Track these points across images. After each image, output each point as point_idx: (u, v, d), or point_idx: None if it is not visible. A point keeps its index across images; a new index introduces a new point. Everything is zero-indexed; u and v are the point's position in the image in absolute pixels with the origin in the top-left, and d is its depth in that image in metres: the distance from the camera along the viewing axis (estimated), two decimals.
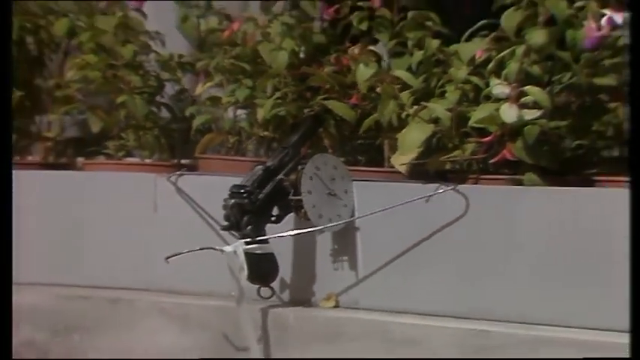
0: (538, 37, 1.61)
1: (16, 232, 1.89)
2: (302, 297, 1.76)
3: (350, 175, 1.73)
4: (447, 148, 1.74)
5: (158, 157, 2.00)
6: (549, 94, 1.62)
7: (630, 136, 1.51)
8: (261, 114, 1.86)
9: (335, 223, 1.70)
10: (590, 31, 1.57)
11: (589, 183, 1.65)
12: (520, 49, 1.62)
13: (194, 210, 1.82)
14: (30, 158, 2.13)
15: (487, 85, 1.67)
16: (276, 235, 1.68)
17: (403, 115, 1.75)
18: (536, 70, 1.64)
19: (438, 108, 1.70)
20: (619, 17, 1.56)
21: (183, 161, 1.99)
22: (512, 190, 1.64)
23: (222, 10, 2.00)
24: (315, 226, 1.69)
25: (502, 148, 1.65)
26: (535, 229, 1.61)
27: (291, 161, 1.72)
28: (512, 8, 1.65)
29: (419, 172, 1.75)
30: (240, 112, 1.93)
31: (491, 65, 1.67)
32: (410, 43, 1.83)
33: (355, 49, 1.82)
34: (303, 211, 1.68)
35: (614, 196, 1.58)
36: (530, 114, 1.61)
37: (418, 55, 1.79)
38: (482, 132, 1.68)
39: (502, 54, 1.65)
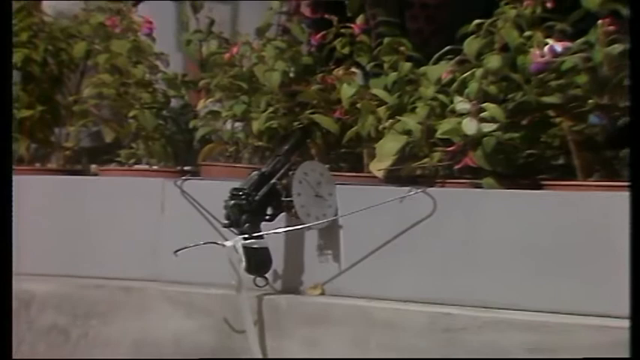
0: (494, 61, 1.70)
1: (38, 231, 1.99)
2: (292, 286, 1.81)
3: (334, 180, 1.80)
4: (417, 156, 1.80)
5: (165, 164, 2.04)
6: (504, 110, 1.71)
7: (630, 138, 1.55)
8: (256, 126, 1.91)
9: (321, 222, 1.76)
10: (535, 57, 1.67)
11: (538, 186, 1.71)
12: (479, 72, 1.71)
13: (197, 210, 1.87)
14: (50, 165, 2.15)
15: (451, 102, 1.75)
16: (270, 232, 1.74)
17: (380, 128, 1.82)
18: (492, 89, 1.72)
19: (410, 121, 1.77)
20: (559, 46, 1.66)
21: (187, 168, 2.03)
22: (473, 192, 1.72)
23: (221, 35, 2.04)
24: (303, 224, 1.75)
25: (464, 156, 1.73)
26: (493, 225, 1.67)
27: (283, 168, 1.78)
28: (473, 36, 1.73)
29: (394, 177, 1.81)
30: (237, 124, 1.97)
31: (455, 85, 1.75)
32: (386, 66, 1.88)
33: (339, 71, 1.89)
34: (293, 210, 1.75)
35: (558, 198, 1.66)
36: (488, 127, 1.70)
37: (393, 75, 1.86)
38: (447, 142, 1.75)
39: (464, 75, 1.73)
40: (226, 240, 1.73)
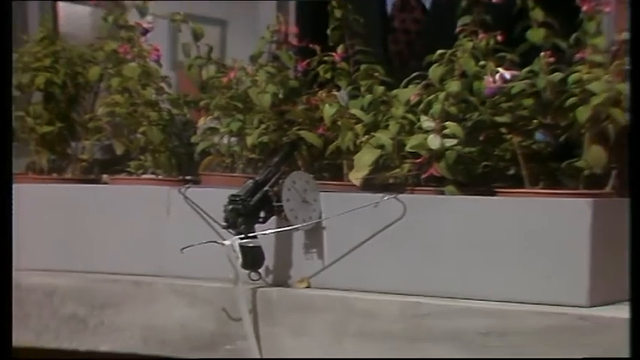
0: (454, 86, 1.77)
1: (57, 232, 2.06)
2: (282, 279, 1.87)
3: (318, 187, 1.85)
4: (390, 167, 1.85)
5: (169, 174, 2.07)
6: (463, 127, 1.77)
7: (630, 138, 1.59)
8: (249, 141, 1.95)
9: (307, 224, 1.82)
10: (489, 83, 1.74)
11: (492, 193, 1.78)
12: (442, 95, 1.77)
13: (199, 214, 1.92)
14: (67, 175, 2.19)
15: (419, 120, 1.81)
16: (263, 232, 1.80)
17: (358, 142, 1.87)
18: (453, 110, 1.78)
19: (383, 137, 1.82)
20: (508, 74, 1.73)
21: (189, 177, 2.06)
22: (437, 198, 1.79)
23: (219, 60, 2.07)
24: (292, 226, 1.81)
25: (430, 167, 1.79)
26: (454, 226, 1.75)
27: (274, 177, 1.83)
28: (437, 64, 1.79)
29: (370, 185, 1.85)
30: (233, 139, 2.00)
31: (421, 106, 1.81)
32: (362, 89, 1.92)
33: (322, 93, 1.93)
34: (283, 214, 1.81)
35: (510, 203, 1.74)
36: (450, 142, 1.76)
37: (368, 97, 1.90)
38: (415, 155, 1.81)
39: (429, 98, 1.79)
40: (225, 239, 1.78)
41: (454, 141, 1.76)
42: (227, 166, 2.00)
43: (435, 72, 1.77)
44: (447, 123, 1.76)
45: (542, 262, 1.67)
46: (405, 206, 1.77)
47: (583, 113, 1.71)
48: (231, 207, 1.77)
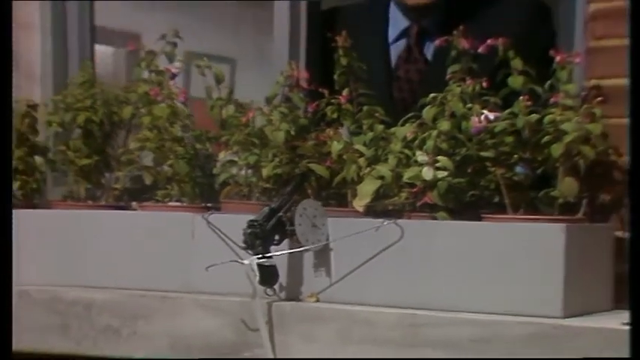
0: (445, 125, 1.82)
1: (94, 252, 2.08)
2: (294, 294, 1.90)
3: (326, 213, 1.89)
4: (389, 196, 1.88)
5: (193, 202, 2.09)
6: (453, 161, 1.82)
7: (631, 138, 1.66)
8: (265, 172, 1.98)
9: (316, 245, 1.86)
10: (475, 123, 1.79)
11: (479, 218, 1.83)
12: (434, 132, 1.82)
13: (220, 237, 1.96)
14: (101, 202, 2.22)
15: (414, 154, 1.85)
16: (278, 253, 1.85)
17: (360, 174, 1.91)
18: (444, 146, 1.83)
19: (383, 169, 1.86)
20: (492, 115, 1.79)
21: (210, 205, 2.08)
22: (431, 223, 1.83)
23: (237, 101, 2.09)
24: (303, 247, 1.86)
25: (424, 195, 1.83)
26: (446, 248, 1.80)
27: (287, 204, 1.87)
28: (430, 106, 1.84)
29: (371, 211, 1.89)
30: (250, 171, 2.03)
31: (416, 142, 1.85)
32: (364, 127, 1.96)
33: (330, 131, 1.97)
34: (295, 237, 1.85)
35: (494, 227, 1.79)
36: (441, 174, 1.81)
37: (370, 134, 1.94)
38: (411, 185, 1.85)
39: (423, 135, 1.84)
40: (244, 259, 1.82)
41: (445, 173, 1.80)
42: (245, 195, 2.02)
43: (428, 113, 1.83)
44: (439, 157, 1.80)
45: (522, 278, 1.73)
46: (402, 230, 1.82)
47: (557, 149, 1.78)
48: (249, 230, 1.82)
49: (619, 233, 1.88)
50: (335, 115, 2.00)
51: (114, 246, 2.09)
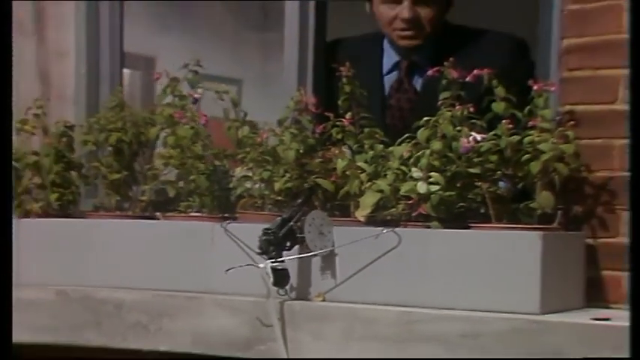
0: (437, 145, 1.87)
1: (123, 257, 2.13)
2: (303, 295, 1.96)
3: (332, 223, 1.94)
4: (387, 207, 1.93)
5: (212, 213, 2.14)
6: (444, 177, 1.87)
7: (631, 138, 1.68)
8: (277, 186, 2.04)
9: (323, 251, 1.91)
10: (464, 143, 1.85)
11: (467, 227, 1.88)
12: (428, 151, 1.88)
13: (237, 244, 2.02)
14: (129, 213, 2.28)
15: (410, 171, 1.90)
16: (289, 258, 1.90)
17: (362, 188, 1.95)
18: (436, 163, 1.88)
19: (382, 184, 1.92)
20: (479, 137, 1.84)
21: (228, 215, 2.12)
22: (425, 231, 1.89)
23: (252, 122, 2.13)
24: (311, 253, 1.91)
25: (419, 207, 1.88)
26: (438, 253, 1.86)
27: (297, 214, 1.93)
28: (423, 128, 1.90)
29: (372, 221, 1.94)
30: (263, 185, 2.08)
31: (412, 160, 1.90)
32: (366, 146, 2.00)
33: (335, 150, 2.02)
34: (305, 243, 1.91)
35: (480, 235, 1.85)
36: (434, 188, 1.86)
37: (370, 153, 1.98)
38: (408, 198, 1.90)
39: (418, 153, 1.89)
40: (259, 263, 1.89)
41: (437, 187, 1.86)
42: (258, 206, 2.08)
43: (422, 134, 1.90)
44: (432, 173, 1.87)
45: (505, 280, 1.81)
46: (399, 237, 1.88)
47: (535, 167, 1.85)
48: (264, 238, 1.89)
49: (590, 241, 1.96)
50: (339, 136, 2.05)
51: (140, 251, 2.15)
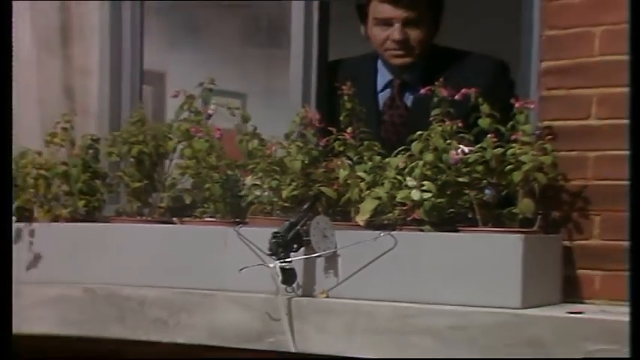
0: (429, 156, 1.93)
1: (144, 258, 2.19)
2: (309, 292, 2.02)
3: (334, 227, 2.00)
4: (385, 212, 1.98)
5: (225, 218, 2.19)
6: (435, 185, 1.92)
7: (631, 138, 1.69)
8: (284, 194, 2.08)
9: (327, 252, 1.97)
10: (453, 155, 1.90)
11: (456, 231, 1.94)
12: (421, 162, 1.93)
13: (248, 246, 2.07)
14: (149, 218, 2.35)
15: (405, 179, 1.95)
16: (296, 258, 1.96)
17: (362, 195, 2.00)
18: (429, 173, 1.93)
19: (380, 191, 1.97)
20: (466, 149, 1.89)
21: (239, 220, 2.17)
22: (418, 234, 1.95)
23: (261, 135, 2.17)
24: (316, 254, 1.97)
25: (413, 212, 1.94)
26: (430, 254, 1.91)
27: (303, 219, 1.99)
28: (417, 141, 1.95)
29: (370, 225, 1.99)
30: (272, 193, 2.12)
31: (406, 170, 1.96)
32: (365, 158, 2.05)
33: (337, 161, 2.06)
34: (310, 245, 1.97)
35: (468, 237, 1.90)
36: (427, 195, 1.92)
37: (369, 164, 2.03)
38: (403, 204, 1.96)
39: (412, 164, 1.94)
40: (269, 263, 1.96)
41: (430, 194, 1.92)
42: (267, 212, 2.14)
43: (416, 147, 1.97)
44: (425, 182, 1.92)
45: (490, 278, 1.88)
46: (396, 240, 1.94)
47: (517, 176, 1.91)
48: (274, 240, 1.97)
49: (566, 242, 2.02)
50: (341, 148, 2.10)
51: (160, 253, 2.23)
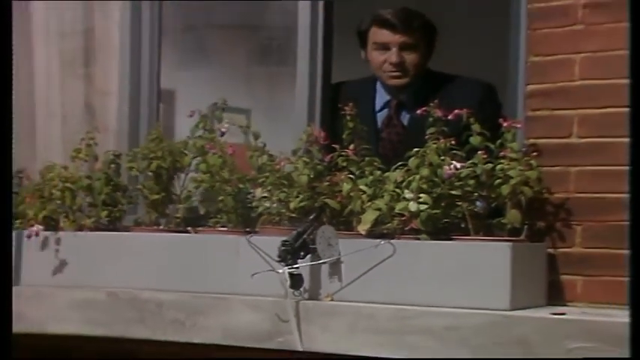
0: (425, 171, 1.99)
1: (160, 264, 2.26)
2: (315, 295, 2.07)
3: (337, 236, 2.05)
4: (384, 222, 2.03)
5: (237, 227, 2.25)
6: (431, 197, 1.98)
7: (631, 138, 1.72)
8: (292, 205, 2.14)
9: (331, 259, 2.02)
10: (447, 170, 1.96)
11: (450, 239, 1.99)
12: (417, 177, 1.99)
13: (259, 253, 2.12)
14: (165, 227, 2.40)
15: (403, 192, 2.00)
16: (303, 265, 2.02)
17: (364, 207, 2.06)
18: (425, 186, 1.99)
19: (380, 203, 2.02)
20: (459, 165, 1.95)
21: (250, 229, 2.23)
22: (415, 242, 2.00)
23: (270, 152, 2.23)
24: (321, 260, 2.03)
25: (410, 222, 1.99)
26: (426, 260, 1.96)
27: (310, 229, 2.05)
28: (414, 157, 2.01)
29: (371, 234, 2.04)
30: (280, 205, 2.18)
31: (404, 183, 2.01)
32: (366, 172, 2.10)
33: (340, 175, 2.12)
34: (316, 253, 2.03)
35: (460, 245, 1.96)
36: (423, 207, 1.98)
37: (370, 178, 2.09)
38: (401, 215, 2.00)
39: (409, 178, 2.00)
40: (279, 269, 2.01)
41: (425, 206, 1.98)
42: (276, 222, 2.20)
43: (412, 162, 2.03)
44: (421, 194, 1.99)
45: (482, 282, 1.95)
46: (394, 248, 1.99)
47: (505, 189, 1.98)
48: (283, 248, 2.02)
49: (551, 250, 2.09)
50: (344, 164, 2.16)
51: (177, 260, 2.29)
